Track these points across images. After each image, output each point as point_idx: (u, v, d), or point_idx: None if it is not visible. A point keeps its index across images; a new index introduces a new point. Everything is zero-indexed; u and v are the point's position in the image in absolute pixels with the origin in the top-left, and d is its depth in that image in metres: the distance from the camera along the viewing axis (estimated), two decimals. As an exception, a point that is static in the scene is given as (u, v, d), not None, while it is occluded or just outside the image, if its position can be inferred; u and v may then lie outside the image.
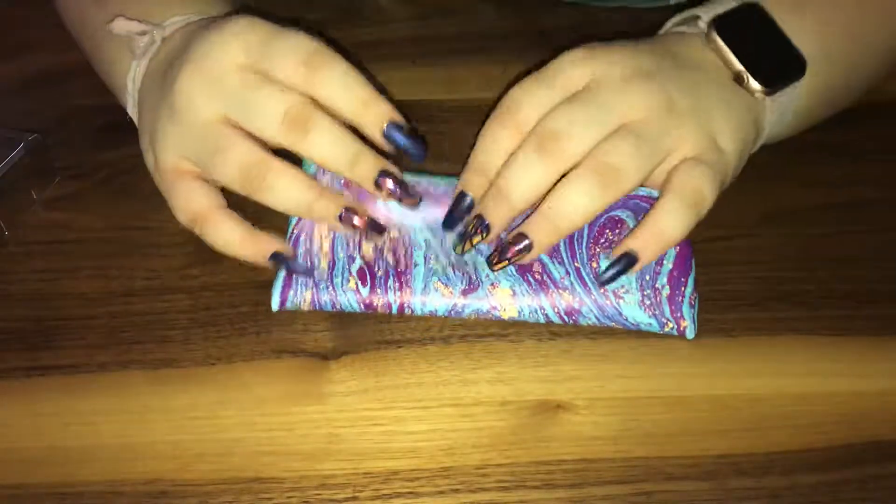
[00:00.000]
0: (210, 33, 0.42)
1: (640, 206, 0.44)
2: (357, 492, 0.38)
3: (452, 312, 0.43)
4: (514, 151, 0.41)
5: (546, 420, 0.40)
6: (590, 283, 0.42)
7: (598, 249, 0.43)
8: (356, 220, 0.42)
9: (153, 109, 0.44)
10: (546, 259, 0.43)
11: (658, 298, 0.42)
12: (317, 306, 0.43)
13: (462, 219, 0.42)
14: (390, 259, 0.43)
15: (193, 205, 0.42)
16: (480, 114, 0.44)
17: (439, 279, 0.43)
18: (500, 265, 0.41)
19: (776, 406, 0.41)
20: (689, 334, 0.42)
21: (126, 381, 0.41)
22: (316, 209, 0.41)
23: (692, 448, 0.39)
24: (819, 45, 0.45)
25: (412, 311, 0.43)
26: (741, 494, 0.38)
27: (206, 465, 0.39)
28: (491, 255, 0.42)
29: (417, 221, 0.44)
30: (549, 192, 0.41)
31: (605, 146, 0.40)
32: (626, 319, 0.42)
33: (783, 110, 0.45)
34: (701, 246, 0.43)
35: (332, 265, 0.43)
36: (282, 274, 0.43)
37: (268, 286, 0.43)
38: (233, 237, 0.42)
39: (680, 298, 0.42)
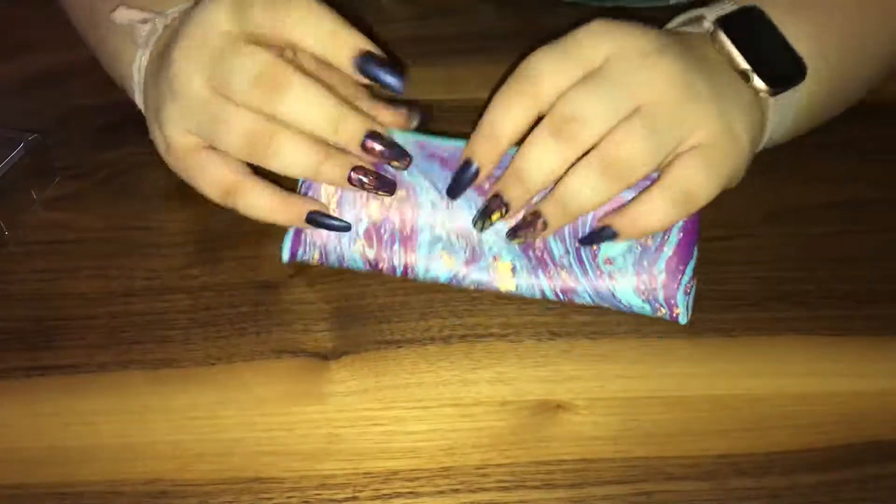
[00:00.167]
0: (199, 7, 0.42)
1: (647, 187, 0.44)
2: (357, 492, 0.38)
3: (454, 281, 0.43)
4: (524, 124, 0.41)
5: (546, 420, 0.40)
6: (587, 264, 0.42)
7: None
8: (366, 180, 0.42)
9: (155, 93, 0.44)
10: (549, 237, 0.43)
11: (654, 283, 0.42)
12: (324, 262, 0.44)
13: (466, 187, 0.42)
14: (396, 221, 0.43)
15: (221, 177, 0.42)
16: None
17: (444, 248, 0.43)
18: (517, 240, 0.42)
19: (776, 406, 0.41)
20: (682, 320, 0.42)
21: (126, 381, 0.41)
22: (324, 171, 0.41)
23: (692, 448, 0.39)
24: (816, 47, 0.45)
25: (416, 276, 0.44)
26: (741, 494, 0.38)
27: (206, 465, 0.39)
28: (510, 229, 0.42)
29: (424, 181, 0.43)
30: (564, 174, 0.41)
31: (618, 135, 0.40)
32: (620, 301, 0.43)
33: (784, 112, 0.45)
34: (701, 246, 0.43)
35: None
36: (293, 229, 0.44)
37: (268, 286, 0.43)
38: (270, 203, 0.42)
39: (675, 285, 0.42)
